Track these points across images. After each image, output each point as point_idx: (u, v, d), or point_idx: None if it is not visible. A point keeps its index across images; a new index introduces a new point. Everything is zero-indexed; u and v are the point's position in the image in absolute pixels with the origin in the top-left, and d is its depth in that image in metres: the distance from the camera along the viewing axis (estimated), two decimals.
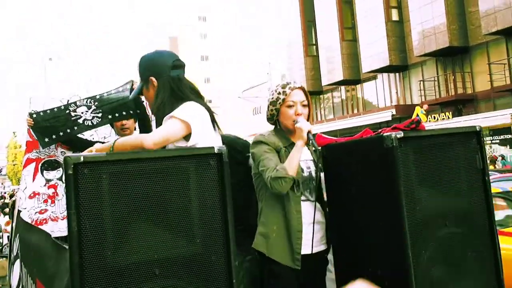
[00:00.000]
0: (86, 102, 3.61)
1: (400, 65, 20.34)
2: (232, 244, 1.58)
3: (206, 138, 1.98)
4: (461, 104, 18.29)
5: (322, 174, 2.40)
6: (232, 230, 1.60)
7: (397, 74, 21.33)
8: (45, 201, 3.78)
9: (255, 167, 2.34)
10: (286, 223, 2.24)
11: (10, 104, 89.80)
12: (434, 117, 18.50)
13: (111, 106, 3.59)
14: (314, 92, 24.64)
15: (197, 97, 2.10)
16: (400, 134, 1.94)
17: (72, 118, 3.60)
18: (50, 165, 3.84)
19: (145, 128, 3.42)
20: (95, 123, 3.65)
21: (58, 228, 3.79)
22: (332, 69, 23.08)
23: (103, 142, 3.95)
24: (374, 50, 20.44)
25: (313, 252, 2.28)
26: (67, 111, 3.60)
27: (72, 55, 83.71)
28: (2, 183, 58.08)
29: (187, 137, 1.92)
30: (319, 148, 2.24)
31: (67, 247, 2.79)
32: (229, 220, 1.58)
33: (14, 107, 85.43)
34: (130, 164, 1.53)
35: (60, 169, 3.86)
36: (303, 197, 2.31)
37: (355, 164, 2.21)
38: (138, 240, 1.51)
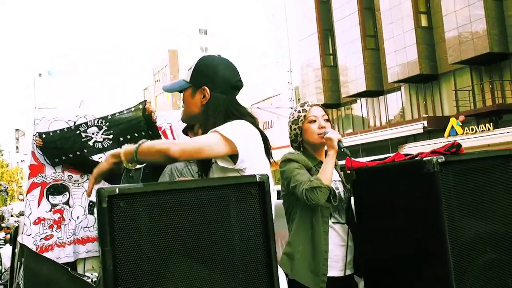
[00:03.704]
0: (97, 122, 3.81)
1: (430, 74, 20.47)
2: (276, 276, 1.64)
3: (254, 163, 1.86)
4: (497, 116, 18.23)
5: (352, 197, 2.58)
6: (275, 261, 1.66)
7: (425, 84, 21.43)
8: (51, 226, 3.95)
9: (285, 187, 2.52)
10: (312, 243, 2.43)
11: None
12: (472, 129, 18.46)
13: (123, 127, 3.79)
14: (332, 104, 24.88)
15: (252, 120, 2.00)
16: (442, 159, 2.06)
17: (83, 140, 3.80)
18: (56, 189, 4.01)
19: None
20: (105, 145, 3.83)
21: (65, 254, 3.95)
22: (353, 79, 23.25)
23: None
24: (402, 59, 20.61)
25: (345, 274, 2.46)
26: (77, 132, 3.80)
27: (64, 70, 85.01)
28: None
29: (234, 159, 1.84)
30: (349, 153, 2.40)
31: (87, 280, 2.91)
32: (272, 251, 1.64)
33: None
34: (168, 195, 1.56)
35: (67, 193, 4.04)
36: (333, 219, 2.49)
37: (390, 189, 2.34)
38: (178, 277, 1.53)
